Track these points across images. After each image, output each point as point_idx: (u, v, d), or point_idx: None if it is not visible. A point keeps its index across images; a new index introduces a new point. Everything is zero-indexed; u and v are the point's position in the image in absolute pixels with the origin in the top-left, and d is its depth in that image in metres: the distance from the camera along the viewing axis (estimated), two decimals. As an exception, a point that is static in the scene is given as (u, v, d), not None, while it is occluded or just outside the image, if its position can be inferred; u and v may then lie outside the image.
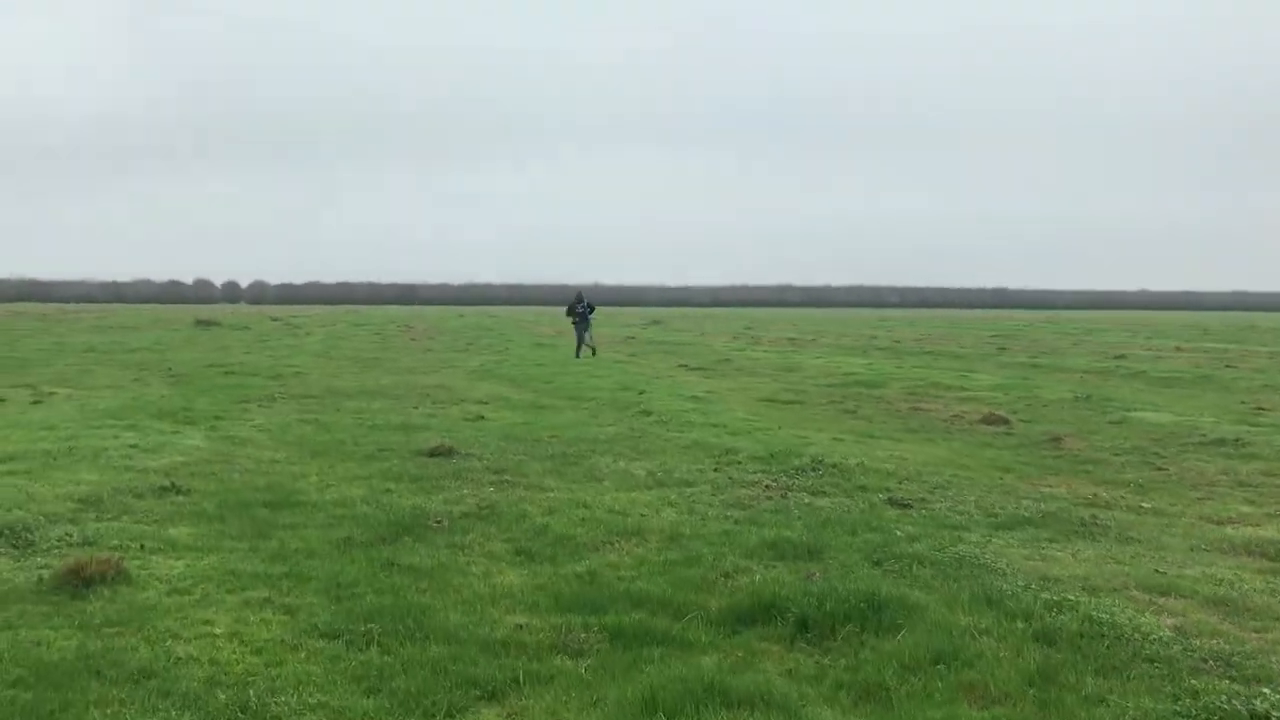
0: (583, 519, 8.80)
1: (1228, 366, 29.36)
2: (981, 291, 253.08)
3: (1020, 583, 6.70)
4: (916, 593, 6.44)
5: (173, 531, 8.30)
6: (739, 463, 11.60)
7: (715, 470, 11.21)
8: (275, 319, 70.88)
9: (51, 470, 10.47)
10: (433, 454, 12.25)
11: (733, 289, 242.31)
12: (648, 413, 16.43)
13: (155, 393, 19.20)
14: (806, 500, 9.61)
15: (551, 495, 9.88)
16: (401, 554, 7.65)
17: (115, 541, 7.82)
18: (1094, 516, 8.97)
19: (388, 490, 10.09)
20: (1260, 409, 17.93)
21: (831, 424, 15.77)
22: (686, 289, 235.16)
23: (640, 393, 19.50)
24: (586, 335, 31.96)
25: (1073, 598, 6.34)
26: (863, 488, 10.18)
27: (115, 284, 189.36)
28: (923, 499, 9.71)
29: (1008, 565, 7.22)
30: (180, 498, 9.55)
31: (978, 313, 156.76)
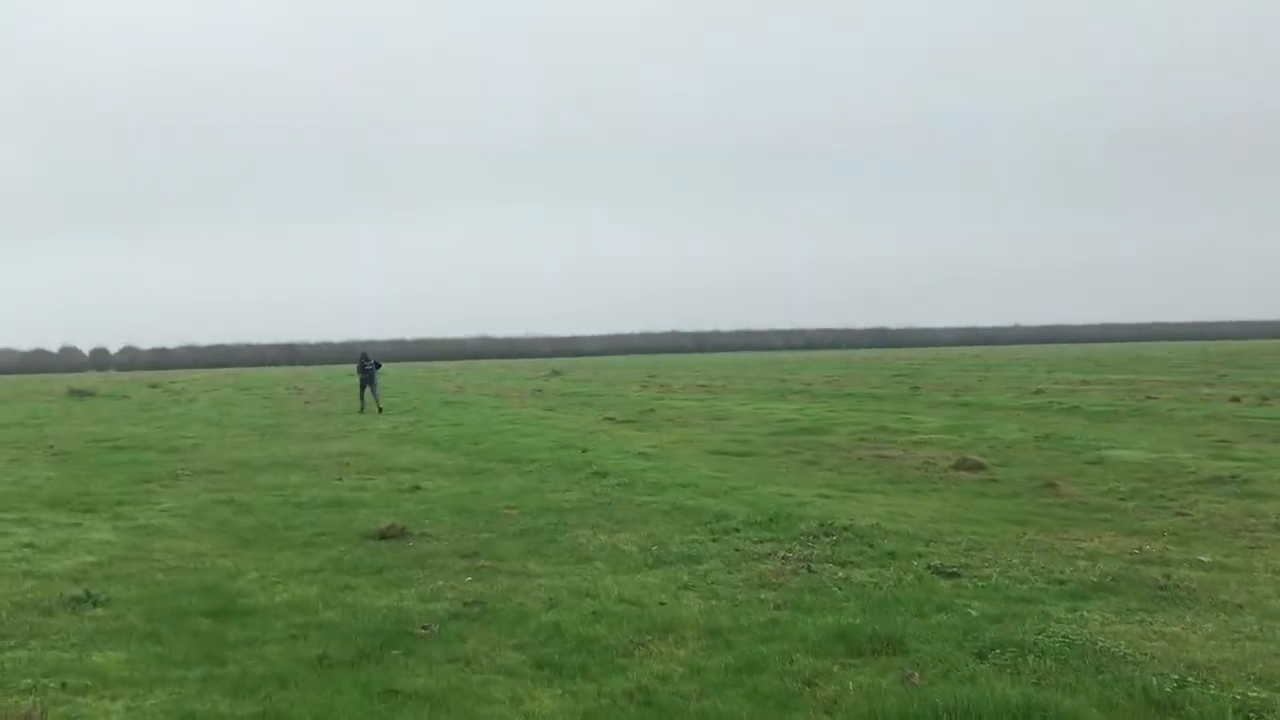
0: (595, 613, 7.47)
1: (1148, 398, 29.38)
2: (864, 331, 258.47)
3: (1173, 675, 5.61)
4: (1063, 698, 5.30)
5: (98, 659, 6.69)
6: (736, 530, 10.38)
7: (714, 540, 9.98)
8: (154, 385, 67.32)
9: (-69, 583, 8.68)
10: (382, 536, 10.76)
11: (624, 337, 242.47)
12: (602, 474, 15.12)
13: (39, 475, 17.10)
14: (840, 574, 8.43)
15: (543, 583, 8.51)
16: (397, 675, 6.21)
17: (26, 680, 6.20)
18: (1167, 576, 8.00)
19: (347, 587, 8.58)
20: (1224, 441, 17.49)
21: (802, 477, 14.68)
22: (577, 338, 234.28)
23: (583, 450, 18.16)
24: (376, 391, 34.64)
25: (1256, 694, 5.28)
26: (891, 554, 9.06)
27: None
28: (964, 565, 8.62)
29: (1130, 648, 6.14)
30: (99, 610, 7.90)
31: (864, 352, 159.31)
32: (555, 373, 75.13)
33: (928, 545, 9.45)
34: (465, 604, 7.87)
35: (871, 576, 8.32)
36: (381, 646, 6.80)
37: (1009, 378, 47.99)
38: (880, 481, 14.16)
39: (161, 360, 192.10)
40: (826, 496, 12.54)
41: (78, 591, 8.31)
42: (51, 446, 22.96)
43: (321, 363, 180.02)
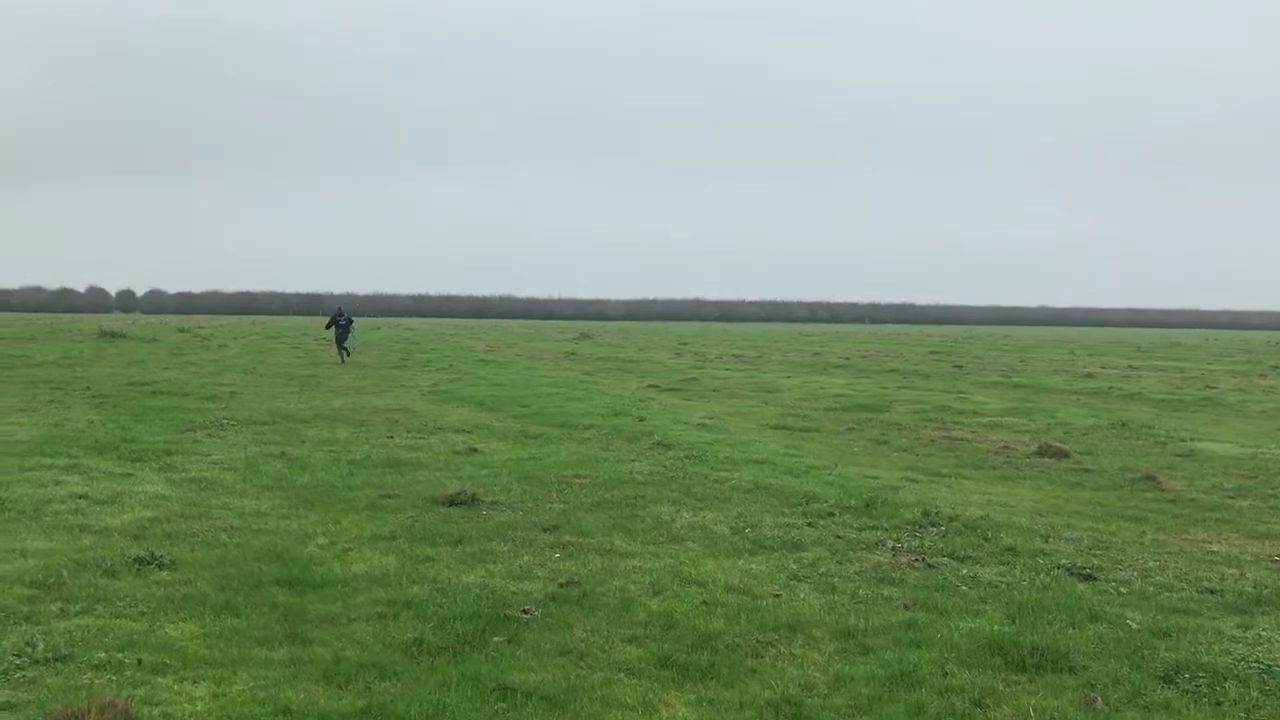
0: (706, 603, 6.82)
1: (1208, 388, 28.47)
2: (888, 306, 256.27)
3: None
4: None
5: (172, 631, 6.09)
6: (831, 515, 9.70)
7: (810, 525, 9.31)
8: (182, 330, 67.11)
9: (-17, 535, 8.11)
10: (452, 503, 10.15)
11: (647, 302, 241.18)
12: (666, 444, 14.46)
13: (81, 418, 16.58)
14: (962, 570, 7.76)
15: (637, 564, 7.87)
16: (506, 668, 5.58)
17: (100, 654, 5.60)
18: (1332, 591, 7.29)
19: (427, 559, 7.95)
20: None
21: (878, 459, 13.98)
22: (600, 301, 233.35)
23: (639, 419, 17.52)
24: (349, 342, 36.71)
25: None
26: (1011, 550, 8.38)
27: (2, 291, 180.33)
28: (1097, 566, 7.93)
29: (1337, 680, 5.44)
30: (164, 573, 7.30)
31: (892, 327, 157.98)
32: (584, 336, 74.46)
33: (1046, 541, 8.75)
34: (560, 585, 7.23)
35: (999, 575, 7.64)
36: (482, 632, 6.17)
37: (1051, 359, 47.01)
38: (963, 466, 13.44)
39: (187, 305, 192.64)
40: (914, 480, 11.85)
41: (140, 551, 7.72)
42: (88, 388, 22.50)
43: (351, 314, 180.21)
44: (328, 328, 37.72)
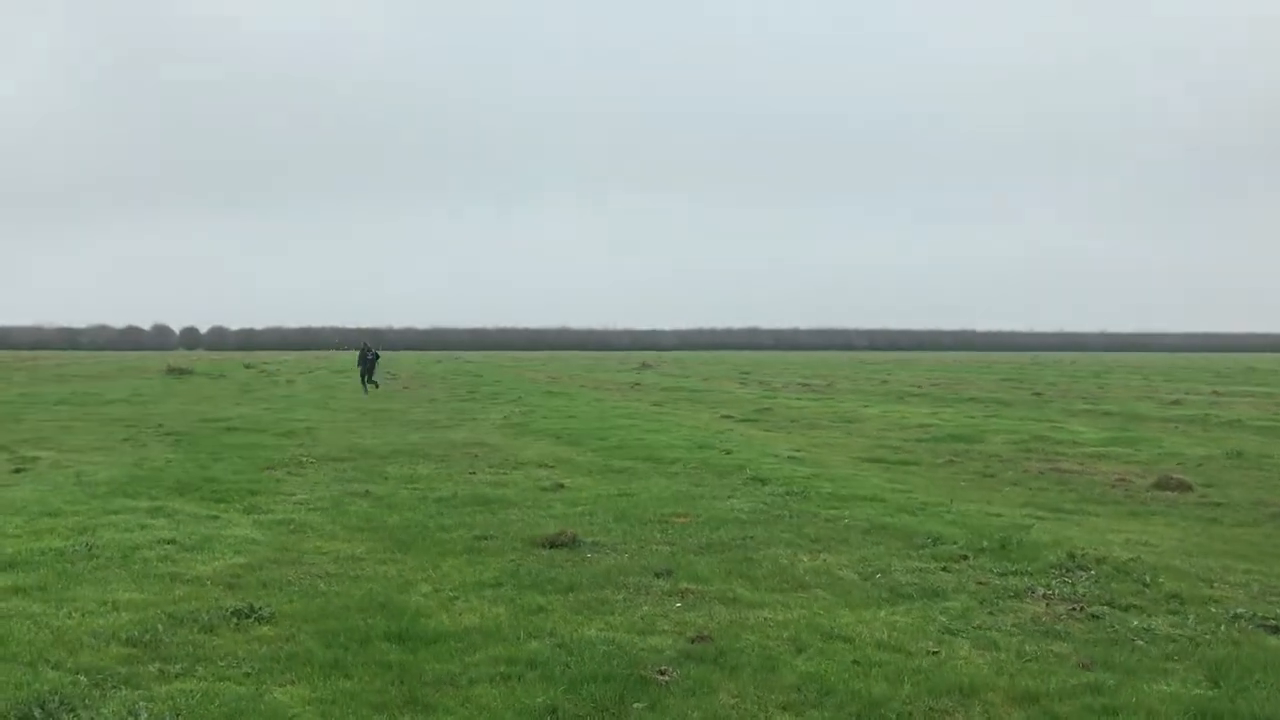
0: (857, 663, 6.16)
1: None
2: (948, 333, 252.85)
3: None
4: None
5: (280, 696, 5.57)
6: (964, 557, 9.00)
7: (944, 569, 8.61)
8: (248, 365, 67.67)
9: (72, 585, 7.68)
10: (553, 544, 9.59)
11: (699, 332, 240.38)
12: (760, 479, 13.82)
13: (159, 457, 16.31)
14: (1131, 621, 7.02)
15: (767, 615, 7.23)
16: (657, 742, 4.97)
17: (208, 725, 5.08)
18: None
19: (540, 609, 7.38)
20: None
21: (991, 494, 13.21)
22: (655, 332, 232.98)
23: (726, 452, 16.90)
24: (375, 374, 39.08)
25: None
26: (1177, 597, 7.62)
27: (71, 330, 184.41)
28: (1280, 616, 7.16)
29: None
30: (265, 627, 6.80)
31: (954, 354, 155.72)
32: (645, 366, 73.99)
33: (1210, 586, 7.99)
34: (690, 640, 6.62)
35: (1174, 627, 6.89)
36: (620, 697, 5.57)
37: (1128, 386, 45.63)
38: (1083, 501, 12.62)
39: (249, 341, 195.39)
40: (1039, 518, 11.07)
41: (237, 603, 7.24)
42: (161, 425, 22.36)
43: (406, 348, 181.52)
44: (359, 363, 39.55)
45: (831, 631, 6.82)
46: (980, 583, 8.13)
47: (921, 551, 9.29)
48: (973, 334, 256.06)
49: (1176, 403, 32.49)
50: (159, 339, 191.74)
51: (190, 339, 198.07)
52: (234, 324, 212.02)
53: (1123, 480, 14.04)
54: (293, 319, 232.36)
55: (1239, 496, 12.76)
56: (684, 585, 8.05)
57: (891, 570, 8.57)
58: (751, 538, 9.91)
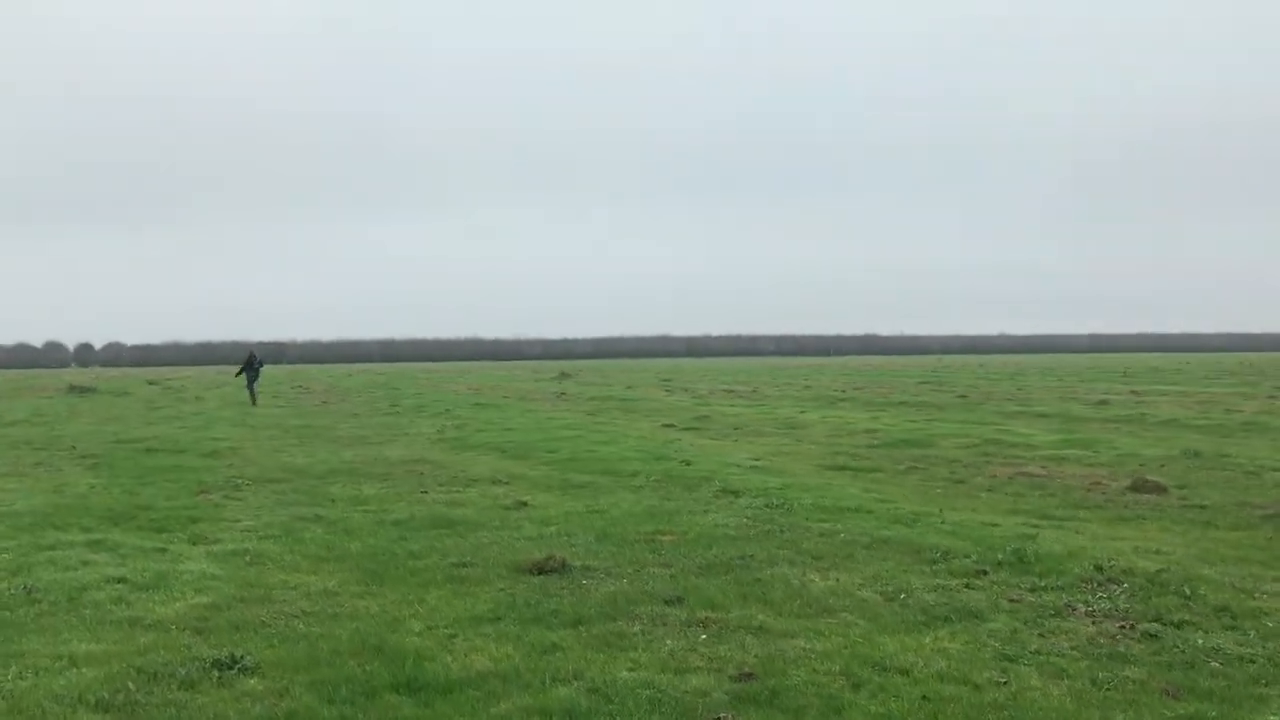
0: (925, 699, 5.61)
1: (1231, 411, 27.67)
2: (852, 338, 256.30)
3: None
4: None
5: (291, 766, 4.78)
6: (982, 571, 8.53)
7: (967, 587, 8.13)
8: (152, 382, 65.05)
9: (17, 638, 6.73)
10: (541, 570, 8.89)
11: (614, 340, 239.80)
12: (732, 492, 13.26)
13: (79, 482, 15.11)
14: (1195, 639, 6.60)
15: (803, 645, 6.64)
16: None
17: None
18: None
19: (553, 647, 6.68)
20: None
21: (972, 500, 12.86)
22: (568, 340, 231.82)
23: (685, 463, 16.32)
24: (255, 386, 39.03)
25: None
26: (1226, 610, 7.25)
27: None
28: (1338, 629, 6.80)
29: None
30: (251, 680, 5.99)
31: (861, 359, 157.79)
32: (564, 375, 73.10)
33: (1253, 598, 7.64)
34: (734, 679, 5.99)
35: (1241, 645, 6.50)
36: (683, 753, 4.92)
37: (1048, 386, 46.32)
38: (1067, 506, 12.32)
39: (147, 357, 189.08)
40: (1035, 526, 10.70)
41: (212, 651, 6.41)
42: (74, 447, 20.97)
43: (314, 361, 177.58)
44: (239, 374, 40.02)
45: (881, 662, 6.26)
46: (1013, 600, 7.66)
47: (935, 567, 8.80)
48: (877, 338, 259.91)
49: (1103, 403, 32.88)
50: (52, 355, 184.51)
51: (85, 355, 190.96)
52: (130, 339, 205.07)
53: (1096, 484, 13.81)
54: (190, 334, 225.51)
55: (1219, 499, 12.59)
56: (701, 614, 7.42)
57: (913, 589, 8.05)
58: (751, 556, 9.32)
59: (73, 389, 48.66)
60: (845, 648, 6.57)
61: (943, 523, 10.75)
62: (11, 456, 19.41)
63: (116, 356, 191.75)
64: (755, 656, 6.42)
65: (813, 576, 8.56)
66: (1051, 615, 7.25)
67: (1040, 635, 6.78)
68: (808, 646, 6.63)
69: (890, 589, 8.08)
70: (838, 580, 8.41)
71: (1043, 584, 8.05)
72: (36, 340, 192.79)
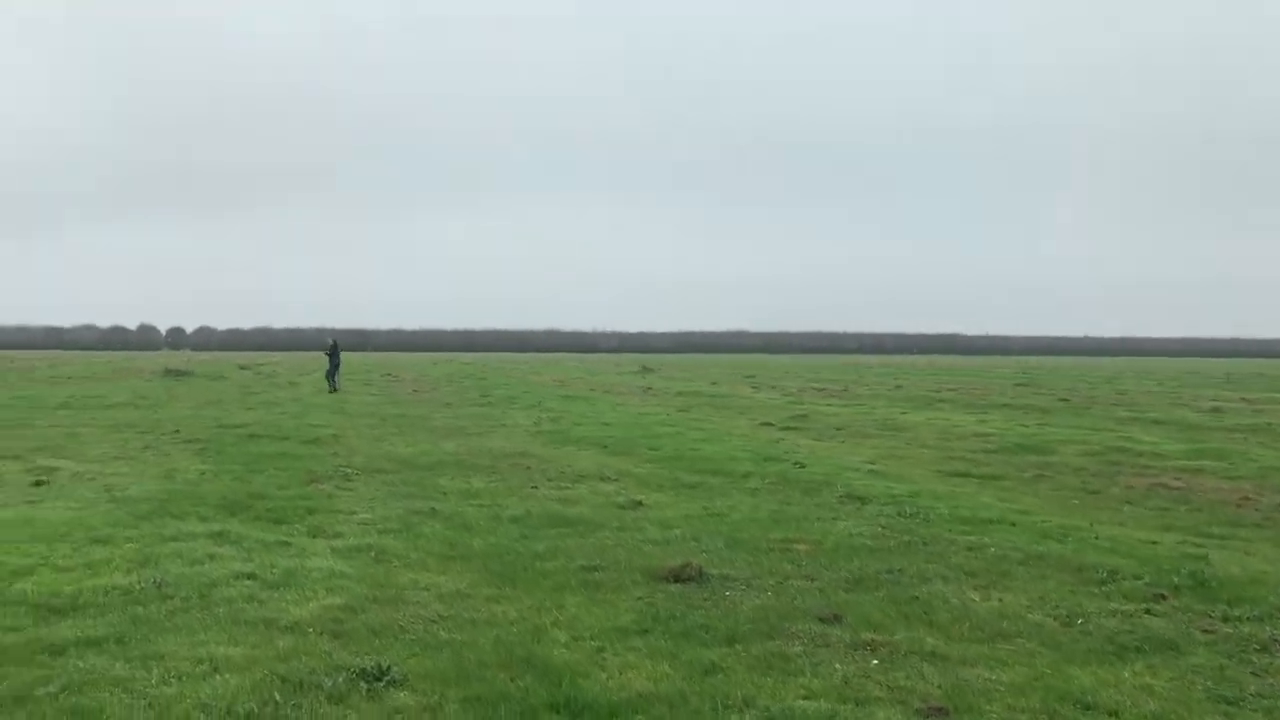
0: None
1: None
2: (935, 337, 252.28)
3: None
4: None
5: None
6: (1160, 596, 7.85)
7: (1147, 613, 7.47)
8: (244, 367, 66.12)
9: (154, 637, 6.45)
10: (677, 578, 8.43)
11: (688, 334, 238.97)
12: (858, 498, 12.68)
13: (189, 468, 15.05)
14: None
15: (987, 676, 6.08)
16: None
17: None
18: None
19: (714, 667, 6.21)
20: None
21: (1116, 514, 12.11)
22: (645, 334, 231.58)
23: (799, 465, 15.75)
24: (336, 375, 39.03)
25: None
26: None
27: (57, 329, 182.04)
28: None
29: None
30: (401, 693, 5.62)
31: (948, 358, 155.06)
32: (645, 369, 72.75)
33: None
34: (921, 713, 5.48)
35: None
36: (895, 802, 4.40)
37: (1149, 391, 44.68)
38: (1220, 523, 11.49)
39: (236, 341, 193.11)
40: (1199, 545, 9.95)
41: (355, 658, 6.06)
42: (178, 431, 21.06)
43: (395, 349, 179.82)
44: (329, 356, 39.79)
45: (1081, 699, 5.68)
46: (1206, 631, 7.00)
47: (1104, 589, 8.15)
48: (960, 338, 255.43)
49: (1217, 410, 31.46)
50: (145, 338, 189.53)
51: (176, 339, 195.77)
52: (220, 324, 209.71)
53: (1245, 499, 12.96)
54: (277, 320, 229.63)
55: (1389, 519, 11.68)
56: (864, 635, 6.89)
57: (1088, 613, 7.43)
58: (900, 570, 8.75)
59: (169, 372, 49.57)
60: (1035, 680, 6.00)
61: (1096, 538, 10.06)
62: (118, 440, 19.54)
63: (206, 340, 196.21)
64: (939, 687, 5.88)
65: (972, 595, 7.97)
66: (1257, 650, 6.58)
67: (1255, 674, 6.13)
68: (992, 677, 6.07)
69: (1062, 612, 7.47)
70: (1001, 601, 7.81)
71: (1235, 613, 7.37)
72: (130, 323, 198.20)
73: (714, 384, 50.63)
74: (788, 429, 23.92)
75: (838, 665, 6.27)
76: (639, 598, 7.87)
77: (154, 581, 7.65)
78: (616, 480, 14.53)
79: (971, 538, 10.11)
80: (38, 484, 13.58)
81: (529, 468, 15.85)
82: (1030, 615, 7.41)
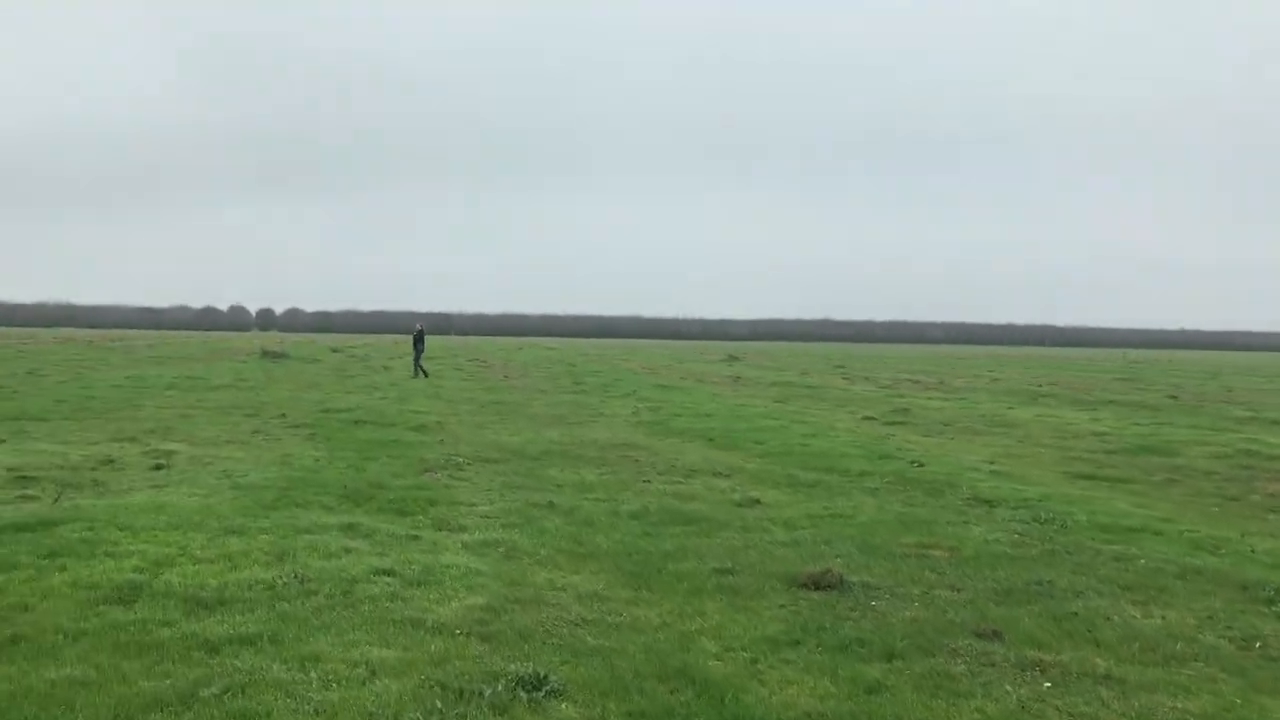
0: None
1: None
2: (1025, 328, 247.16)
3: None
4: None
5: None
6: (1342, 620, 7.39)
7: (1331, 638, 7.02)
8: (336, 350, 67.18)
9: (305, 636, 6.38)
10: (816, 584, 8.17)
11: (771, 322, 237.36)
12: (986, 501, 12.28)
13: (302, 454, 15.18)
14: None
15: (1174, 705, 5.74)
16: None
17: None
18: None
19: (878, 686, 5.95)
20: None
21: (1260, 523, 11.54)
22: (728, 321, 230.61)
23: (916, 464, 15.35)
24: (421, 360, 39.51)
25: None
26: None
27: (153, 310, 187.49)
28: None
29: None
30: (563, 704, 5.47)
31: (1041, 350, 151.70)
32: (732, 358, 72.34)
33: None
34: (1113, 745, 5.14)
35: None
36: None
37: (1262, 389, 43.08)
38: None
39: (325, 323, 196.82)
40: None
41: (514, 667, 5.90)
42: (285, 415, 21.33)
43: (477, 333, 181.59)
44: (415, 343, 40.74)
45: (1285, 737, 5.30)
46: (1405, 663, 6.53)
47: (1276, 609, 7.70)
48: (1052, 329, 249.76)
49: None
50: (236, 319, 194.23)
51: (266, 320, 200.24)
52: (309, 306, 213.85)
53: None
54: (365, 302, 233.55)
55: None
56: (1029, 654, 6.56)
57: (1264, 635, 7.01)
58: (1050, 582, 8.37)
59: (265, 354, 50.52)
60: (1226, 711, 5.64)
61: (1253, 551, 9.57)
62: (227, 423, 19.84)
63: (295, 322, 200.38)
64: (1122, 715, 5.55)
65: (1133, 612, 7.58)
66: None
67: None
68: (1178, 706, 5.71)
69: (1236, 634, 7.06)
70: (1164, 619, 7.41)
71: None
72: (222, 304, 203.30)
73: (804, 374, 50.10)
74: (892, 424, 23.44)
75: (1008, 687, 5.96)
76: (781, 605, 7.63)
77: (295, 576, 7.61)
78: (729, 476, 14.30)
79: (1116, 547, 9.68)
80: (157, 468, 13.79)
81: (638, 460, 15.70)
82: (1201, 636, 7.01)
